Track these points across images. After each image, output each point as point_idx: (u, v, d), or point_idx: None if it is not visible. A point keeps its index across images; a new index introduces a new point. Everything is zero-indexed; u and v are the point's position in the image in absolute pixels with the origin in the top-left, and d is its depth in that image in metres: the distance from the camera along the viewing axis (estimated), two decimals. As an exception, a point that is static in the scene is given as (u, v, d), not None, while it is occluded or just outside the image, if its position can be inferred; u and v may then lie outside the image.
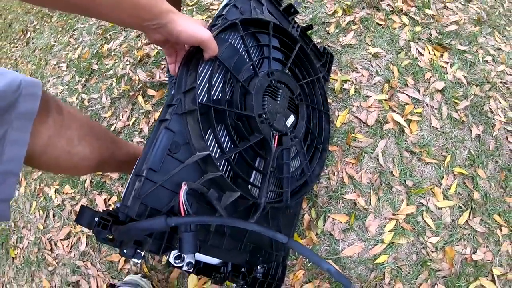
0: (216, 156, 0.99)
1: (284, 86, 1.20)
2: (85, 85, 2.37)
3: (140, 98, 2.09)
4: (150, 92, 2.09)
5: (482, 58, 1.92)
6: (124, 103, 2.13)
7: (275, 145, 1.13)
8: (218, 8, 1.26)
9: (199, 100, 0.91)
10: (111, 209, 0.86)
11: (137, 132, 1.99)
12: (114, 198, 1.84)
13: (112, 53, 2.45)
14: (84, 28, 2.84)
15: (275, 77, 1.16)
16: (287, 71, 1.25)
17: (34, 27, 3.43)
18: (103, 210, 0.78)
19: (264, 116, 1.08)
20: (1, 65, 3.30)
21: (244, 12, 1.18)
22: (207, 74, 1.01)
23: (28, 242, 1.96)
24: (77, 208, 1.89)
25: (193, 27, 0.85)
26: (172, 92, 0.94)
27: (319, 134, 1.41)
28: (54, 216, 1.96)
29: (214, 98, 1.00)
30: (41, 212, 2.01)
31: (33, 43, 3.23)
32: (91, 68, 2.43)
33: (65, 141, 0.90)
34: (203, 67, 1.00)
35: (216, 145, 0.99)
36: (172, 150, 0.87)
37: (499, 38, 2.02)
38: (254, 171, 1.16)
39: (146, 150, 0.83)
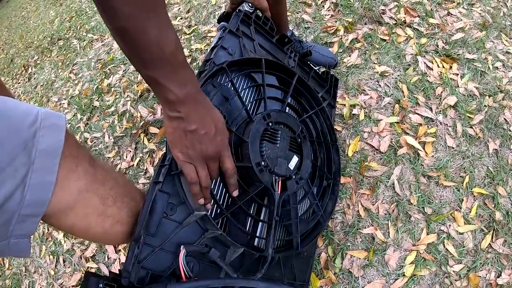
0: (215, 214, 0.96)
1: (283, 127, 1.11)
2: (87, 123, 2.34)
3: (143, 137, 2.04)
4: (153, 129, 2.05)
5: (492, 65, 1.84)
6: (127, 142, 2.09)
7: (279, 191, 1.04)
8: (216, 35, 1.19)
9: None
10: (118, 269, 0.88)
11: (142, 173, 1.95)
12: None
13: (113, 89, 2.42)
14: (84, 62, 2.83)
15: (272, 119, 1.07)
16: (286, 109, 1.18)
17: (35, 62, 3.44)
18: (109, 272, 0.76)
19: (263, 163, 1.00)
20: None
21: (234, 52, 1.12)
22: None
23: (40, 287, 1.93)
24: (87, 253, 1.85)
25: None
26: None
27: (329, 168, 1.32)
28: (64, 261, 1.92)
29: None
30: (51, 257, 1.97)
31: (34, 78, 3.23)
32: (92, 105, 2.41)
33: (98, 199, 0.74)
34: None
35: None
36: (167, 212, 0.86)
37: (506, 41, 1.94)
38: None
39: (142, 215, 0.81)
